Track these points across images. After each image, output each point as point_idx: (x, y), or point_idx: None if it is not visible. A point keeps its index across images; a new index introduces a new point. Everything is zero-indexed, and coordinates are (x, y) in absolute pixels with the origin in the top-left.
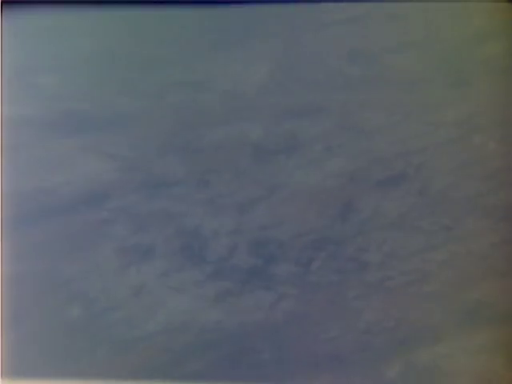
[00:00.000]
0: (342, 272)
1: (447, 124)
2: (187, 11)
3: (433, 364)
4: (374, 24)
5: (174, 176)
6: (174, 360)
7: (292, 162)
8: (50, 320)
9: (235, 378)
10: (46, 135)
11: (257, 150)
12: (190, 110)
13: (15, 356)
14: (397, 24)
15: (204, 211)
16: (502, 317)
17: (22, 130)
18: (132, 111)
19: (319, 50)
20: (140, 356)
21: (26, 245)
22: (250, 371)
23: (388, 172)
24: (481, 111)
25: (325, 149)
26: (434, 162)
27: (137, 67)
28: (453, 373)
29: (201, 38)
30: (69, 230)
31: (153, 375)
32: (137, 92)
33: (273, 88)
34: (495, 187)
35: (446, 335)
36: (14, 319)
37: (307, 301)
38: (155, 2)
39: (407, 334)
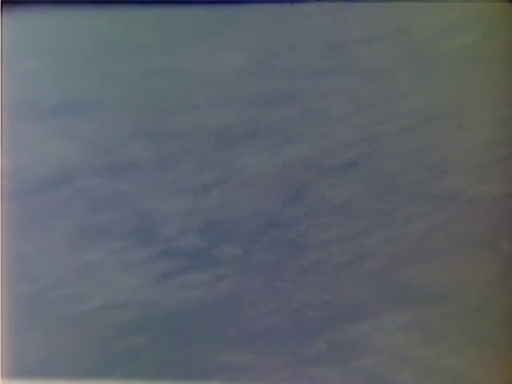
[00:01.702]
0: (280, 254)
1: (403, 114)
2: (170, 7)
3: (353, 341)
4: (349, 17)
5: (136, 160)
6: (116, 334)
7: (251, 148)
8: None
9: (170, 351)
10: (20, 118)
11: (219, 135)
12: (163, 96)
13: None
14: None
15: (160, 194)
16: (426, 297)
17: None
18: (107, 97)
19: (294, 41)
20: (82, 330)
21: None
22: (186, 345)
23: (340, 159)
24: (437, 102)
25: (284, 136)
26: (385, 150)
27: (116, 54)
28: (370, 349)
29: (181, 26)
30: (29, 210)
31: (95, 348)
32: (113, 78)
33: (245, 76)
34: (438, 175)
35: (370, 314)
36: None
37: (244, 281)
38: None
39: (335, 313)
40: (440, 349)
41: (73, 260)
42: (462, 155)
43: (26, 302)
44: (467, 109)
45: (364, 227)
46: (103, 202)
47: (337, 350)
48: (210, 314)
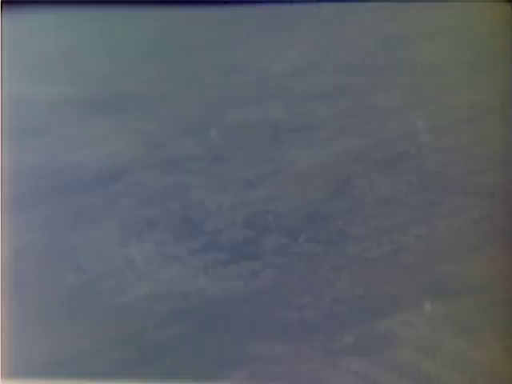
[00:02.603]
0: (325, 244)
1: (457, 107)
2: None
3: (388, 330)
4: (408, 13)
5: (192, 152)
6: (157, 324)
7: (305, 140)
8: (45, 287)
9: (210, 341)
10: (83, 114)
11: (275, 129)
12: (222, 91)
13: (14, 326)
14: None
15: (212, 186)
16: (466, 289)
17: (59, 109)
18: (168, 91)
19: (355, 36)
20: (125, 320)
21: (42, 216)
22: (225, 335)
23: (391, 151)
24: (494, 96)
25: (338, 129)
26: (436, 142)
27: (177, 51)
28: (404, 339)
29: (240, 24)
30: (84, 203)
31: (136, 338)
32: (175, 73)
33: (303, 71)
34: (488, 167)
35: (408, 304)
36: (15, 286)
37: (288, 270)
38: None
39: (374, 303)
40: (472, 341)
41: (120, 252)
42: None
43: (72, 294)
44: None
45: (410, 217)
46: (155, 194)
47: (370, 338)
48: (249, 304)
